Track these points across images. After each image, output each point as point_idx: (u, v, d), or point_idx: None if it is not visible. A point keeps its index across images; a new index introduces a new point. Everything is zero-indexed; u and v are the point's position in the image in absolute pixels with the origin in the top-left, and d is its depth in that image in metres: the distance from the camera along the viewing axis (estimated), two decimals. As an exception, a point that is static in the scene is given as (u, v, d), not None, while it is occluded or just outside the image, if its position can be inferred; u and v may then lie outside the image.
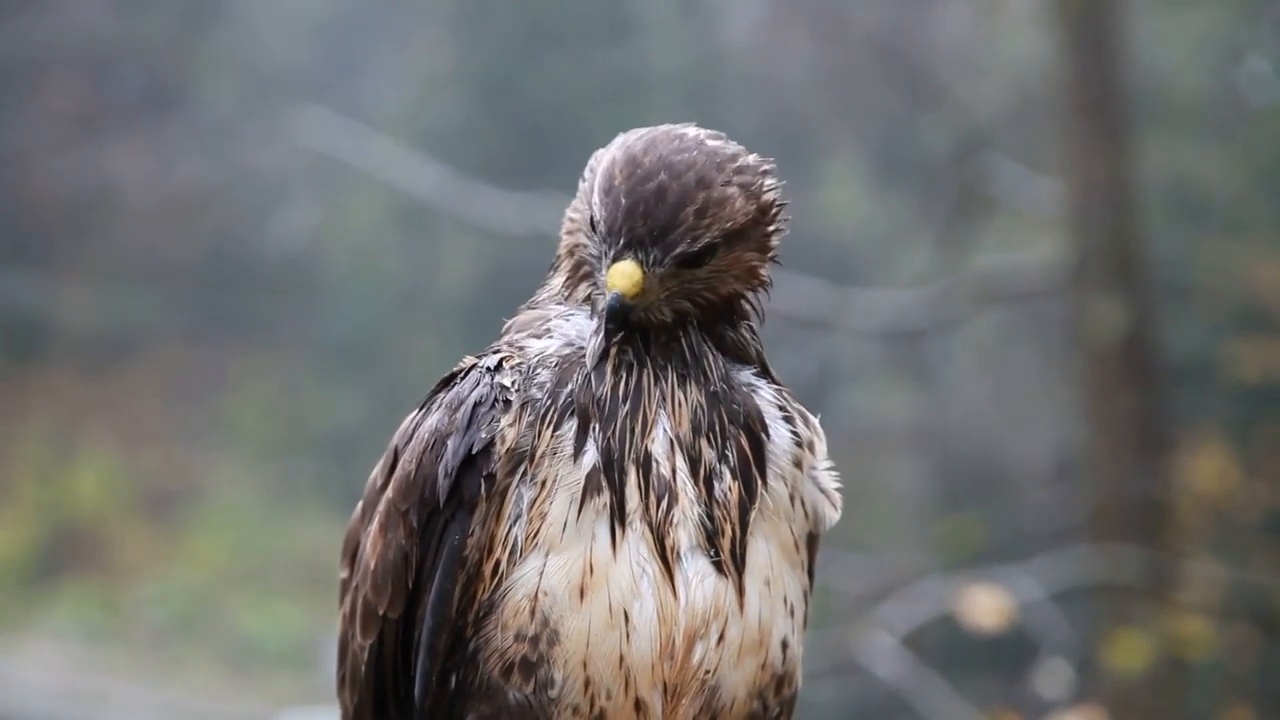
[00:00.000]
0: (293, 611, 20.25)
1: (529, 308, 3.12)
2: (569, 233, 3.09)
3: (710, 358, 3.01)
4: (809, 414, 3.10)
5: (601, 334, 2.96)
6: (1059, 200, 11.78)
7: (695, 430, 2.96)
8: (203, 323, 22.60)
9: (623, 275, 2.92)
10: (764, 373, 3.08)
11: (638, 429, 2.93)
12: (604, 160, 3.00)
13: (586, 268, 3.04)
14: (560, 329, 3.03)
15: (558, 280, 3.11)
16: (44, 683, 18.86)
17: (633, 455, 2.92)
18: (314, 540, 20.98)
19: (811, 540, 3.08)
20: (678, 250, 2.93)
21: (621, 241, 2.93)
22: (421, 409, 3.09)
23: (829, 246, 16.93)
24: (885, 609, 10.33)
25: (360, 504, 3.19)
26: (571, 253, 3.08)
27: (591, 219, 2.99)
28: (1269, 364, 13.40)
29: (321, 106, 16.10)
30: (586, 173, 3.07)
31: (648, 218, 2.92)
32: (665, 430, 2.95)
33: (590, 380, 2.96)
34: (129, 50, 23.05)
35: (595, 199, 2.97)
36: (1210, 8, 16.29)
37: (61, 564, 21.28)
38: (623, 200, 2.93)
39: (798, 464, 3.04)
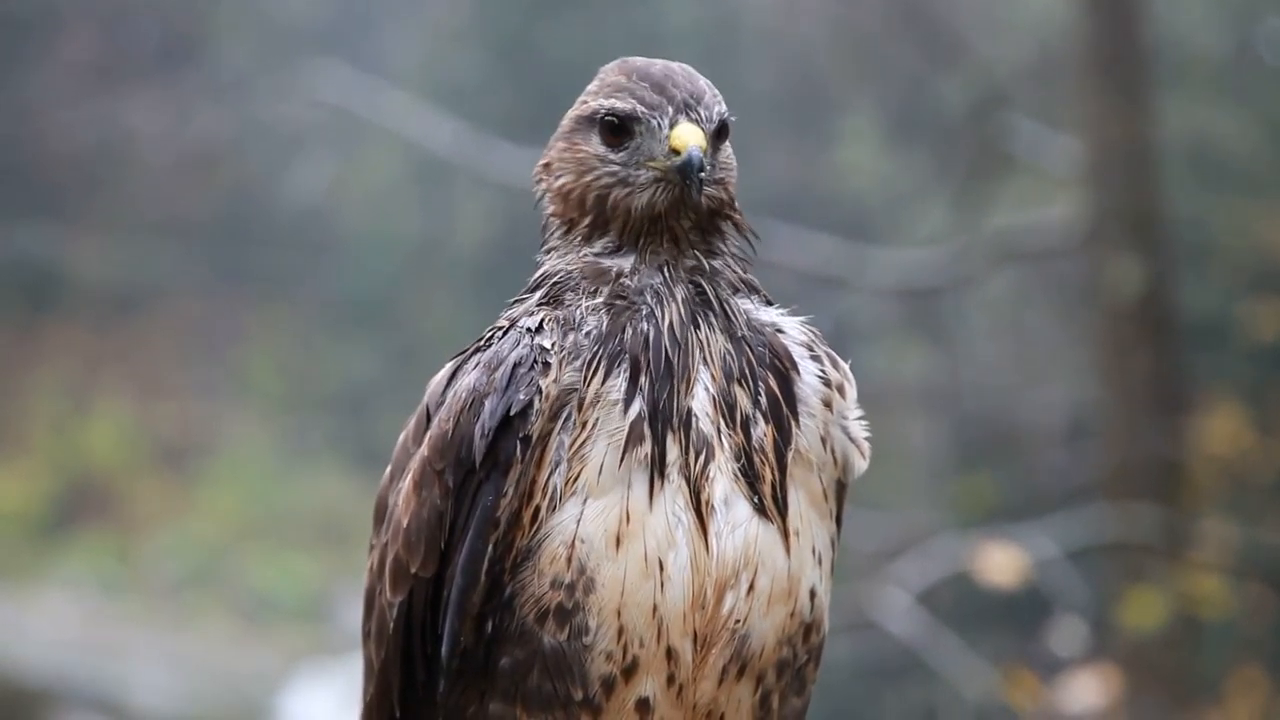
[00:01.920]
0: (306, 564, 20.32)
1: (525, 296, 3.12)
2: (561, 184, 3.10)
3: (734, 302, 3.04)
4: (838, 357, 3.11)
5: (683, 188, 2.99)
6: (1076, 159, 11.76)
7: (728, 377, 2.97)
8: (217, 276, 22.63)
9: (691, 133, 3.00)
10: (767, 301, 3.11)
11: (681, 384, 2.95)
12: (590, 91, 3.10)
13: (611, 194, 3.06)
14: (625, 284, 3.03)
15: (569, 241, 3.10)
16: (58, 633, 18.94)
17: (676, 410, 2.94)
18: (327, 494, 21.04)
19: (840, 489, 3.10)
20: (715, 109, 3.05)
21: (671, 109, 3.01)
22: (454, 368, 3.07)
23: (846, 204, 16.90)
24: (900, 566, 10.35)
25: (389, 468, 3.16)
26: (578, 203, 3.08)
27: (614, 120, 3.04)
28: (1285, 324, 13.38)
29: (337, 61, 16.09)
30: (565, 122, 3.12)
31: (679, 86, 3.04)
32: (706, 387, 2.97)
33: (641, 329, 2.97)
34: (145, 3, 23.04)
35: (610, 103, 3.04)
36: (1229, -33, 16.24)
37: (76, 516, 21.36)
38: (647, 82, 3.04)
39: (827, 404, 3.06)
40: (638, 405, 2.93)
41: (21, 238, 22.03)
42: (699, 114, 3.01)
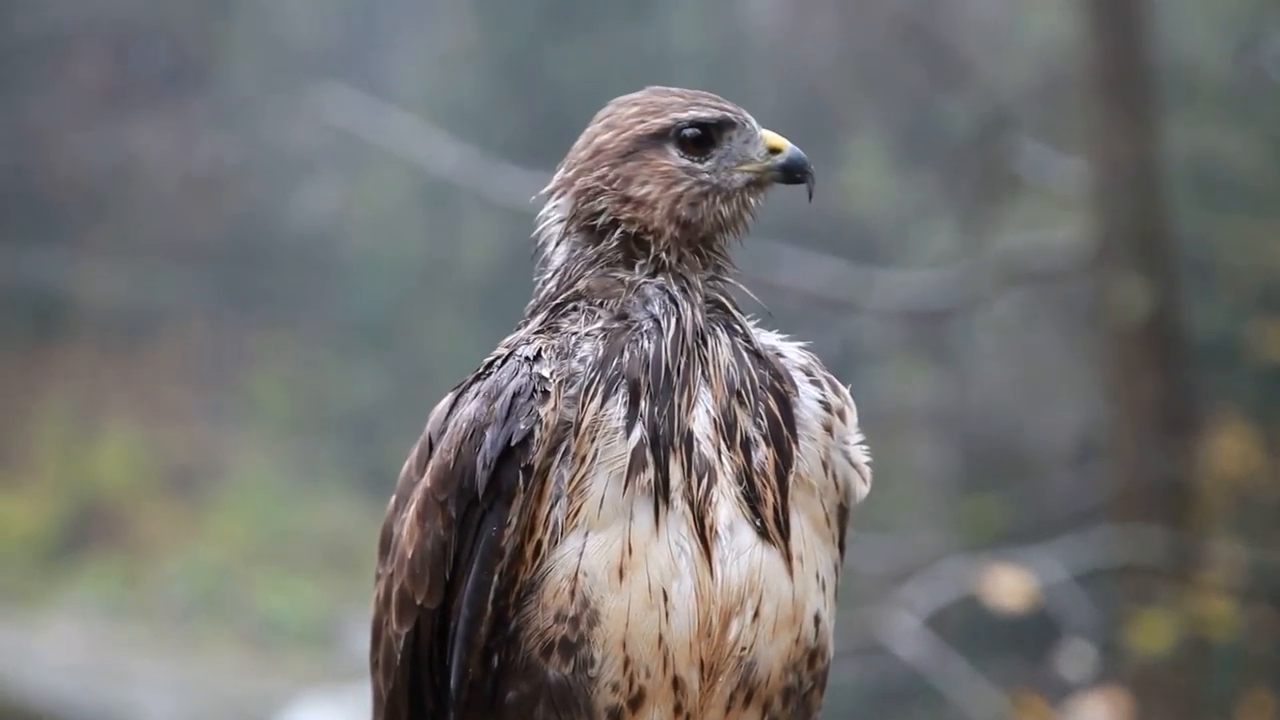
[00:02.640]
0: (313, 589, 20.29)
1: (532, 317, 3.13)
2: (645, 193, 3.10)
3: (744, 320, 3.07)
4: (838, 382, 3.12)
5: (803, 178, 3.12)
6: (1083, 180, 11.76)
7: (730, 393, 2.97)
8: (225, 300, 22.64)
9: (779, 138, 3.14)
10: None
11: (682, 405, 2.95)
12: (624, 119, 3.12)
13: (702, 203, 3.10)
14: (634, 304, 3.04)
15: (597, 252, 3.11)
16: (66, 658, 18.93)
17: (678, 433, 2.94)
18: (335, 518, 21.02)
19: (842, 513, 3.10)
20: None
21: (751, 118, 3.13)
22: (455, 397, 3.07)
23: (852, 226, 16.90)
24: (908, 590, 10.33)
25: (394, 497, 3.16)
26: (667, 215, 3.08)
27: (698, 131, 3.09)
28: (1292, 344, 13.36)
29: (344, 84, 16.10)
30: (617, 143, 3.12)
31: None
32: (707, 409, 2.97)
33: (641, 348, 2.98)
34: (154, 27, 23.08)
35: (690, 115, 3.09)
36: (1235, -13, 16.24)
37: (84, 540, 21.35)
38: (702, 96, 3.13)
39: (828, 429, 3.07)
40: (639, 431, 2.93)
41: (29, 262, 22.05)
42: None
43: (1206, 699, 11.20)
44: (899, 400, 15.90)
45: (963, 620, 11.81)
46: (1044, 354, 16.47)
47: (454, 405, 3.06)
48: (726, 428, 2.96)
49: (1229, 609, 10.89)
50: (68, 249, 22.44)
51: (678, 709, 2.94)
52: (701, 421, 2.96)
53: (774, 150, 3.10)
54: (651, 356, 2.96)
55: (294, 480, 22.11)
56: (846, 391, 3.13)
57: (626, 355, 2.97)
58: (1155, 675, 10.63)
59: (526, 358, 3.00)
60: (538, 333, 3.05)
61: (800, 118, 18.90)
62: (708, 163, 3.08)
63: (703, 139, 3.08)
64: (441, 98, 21.35)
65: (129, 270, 22.48)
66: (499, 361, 3.04)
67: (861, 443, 3.12)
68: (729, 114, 3.10)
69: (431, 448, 3.05)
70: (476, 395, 3.01)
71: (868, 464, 3.12)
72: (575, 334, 3.00)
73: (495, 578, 2.95)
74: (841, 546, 3.12)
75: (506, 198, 12.86)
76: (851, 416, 3.11)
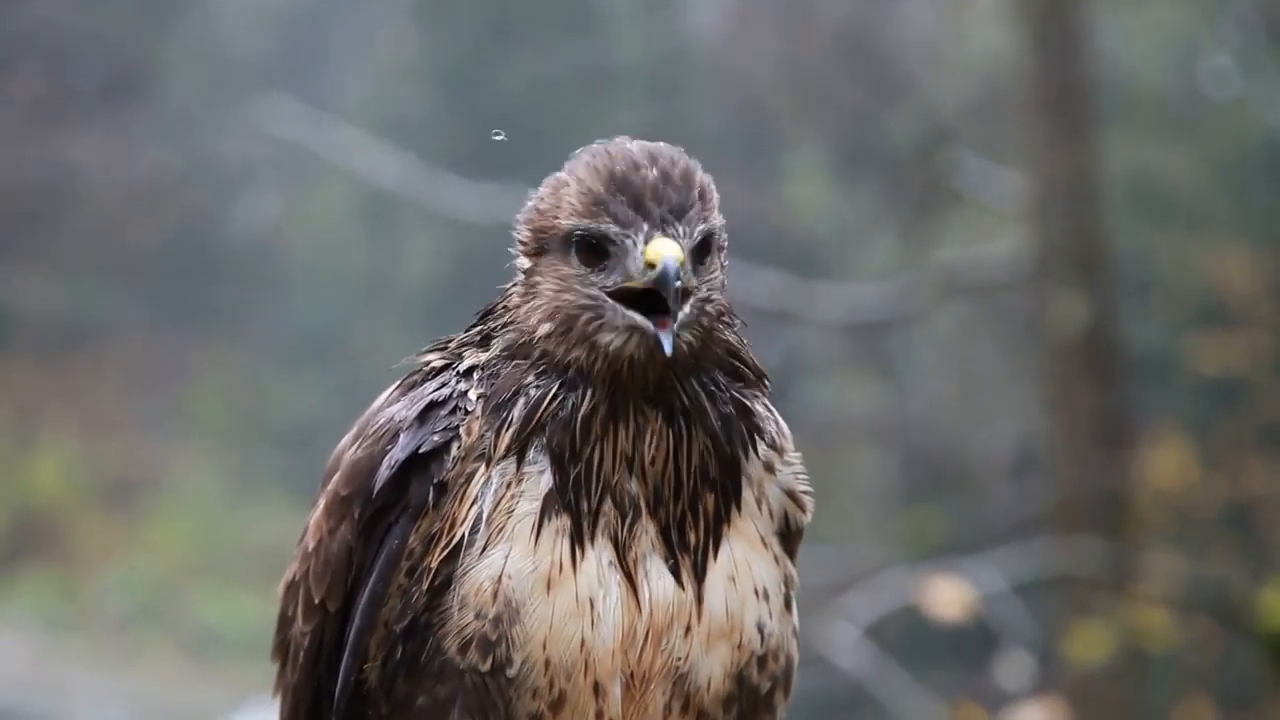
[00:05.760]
0: (253, 601, 20.20)
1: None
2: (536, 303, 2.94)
3: (714, 394, 2.92)
4: (779, 418, 3.02)
5: (663, 326, 2.80)
6: (1022, 194, 11.83)
7: (668, 459, 2.89)
8: (165, 311, 22.53)
9: (667, 245, 2.79)
10: (753, 382, 2.96)
11: (607, 460, 2.86)
12: (569, 191, 2.86)
13: (580, 317, 2.87)
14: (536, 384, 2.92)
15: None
16: (4, 671, 18.80)
17: (600, 482, 2.86)
18: (274, 530, 20.93)
19: (783, 538, 3.01)
20: (699, 228, 2.83)
21: (645, 225, 2.81)
22: (391, 396, 3.02)
23: (793, 239, 16.95)
24: (848, 600, 10.37)
25: (328, 463, 3.07)
26: (547, 317, 2.90)
27: (584, 237, 2.85)
28: (1228, 358, 13.48)
29: (285, 95, 16.06)
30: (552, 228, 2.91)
31: (660, 201, 2.81)
32: (639, 459, 2.88)
33: (564, 421, 2.87)
34: (92, 39, 22.96)
35: (585, 215, 2.84)
36: (1173, 4, 16.37)
37: (21, 553, 21.21)
38: (625, 195, 2.82)
39: (769, 468, 2.99)
40: (548, 479, 2.85)
41: (-34, 274, 21.92)
42: (681, 228, 2.79)
43: (1143, 709, 11.28)
44: (840, 412, 15.93)
45: (902, 630, 11.84)
46: (984, 367, 16.55)
47: (384, 403, 3.00)
48: (655, 487, 2.88)
49: (1166, 620, 10.96)
50: (6, 262, 22.31)
51: (599, 716, 2.85)
52: (630, 476, 2.86)
53: (650, 265, 2.77)
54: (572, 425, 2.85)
55: (233, 491, 22.02)
56: (784, 425, 3.01)
57: (548, 419, 2.87)
58: (1093, 685, 10.70)
59: (459, 373, 2.93)
60: (475, 346, 2.97)
61: (742, 131, 18.96)
62: (599, 275, 2.83)
63: (595, 248, 2.83)
64: (384, 109, 21.32)
65: (67, 282, 22.36)
66: (434, 373, 2.97)
67: (799, 473, 3.00)
68: (611, 230, 2.81)
69: (359, 437, 2.98)
70: (403, 399, 2.95)
71: (806, 491, 3.02)
72: (518, 378, 2.90)
73: (392, 588, 2.86)
74: (792, 557, 3.00)
75: (449, 209, 12.86)
76: (789, 446, 3.00)
